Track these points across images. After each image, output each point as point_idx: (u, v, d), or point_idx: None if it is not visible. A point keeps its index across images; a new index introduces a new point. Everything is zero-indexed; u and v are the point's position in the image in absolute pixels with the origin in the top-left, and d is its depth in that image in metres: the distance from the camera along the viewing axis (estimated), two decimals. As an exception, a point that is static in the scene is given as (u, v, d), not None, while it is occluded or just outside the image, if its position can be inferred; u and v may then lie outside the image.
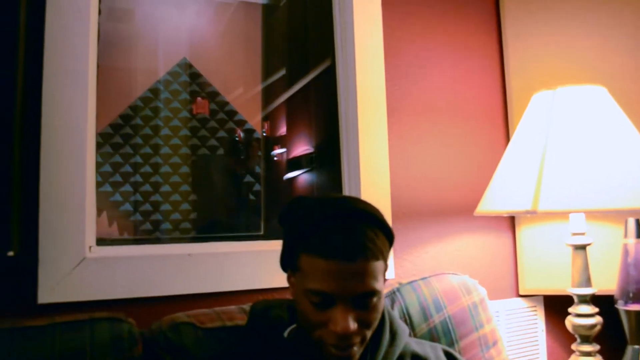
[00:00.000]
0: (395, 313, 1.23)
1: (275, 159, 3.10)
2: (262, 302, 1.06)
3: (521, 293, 1.71)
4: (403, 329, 1.04)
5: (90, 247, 1.25)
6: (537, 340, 1.72)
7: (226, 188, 3.27)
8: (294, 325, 1.02)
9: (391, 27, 1.65)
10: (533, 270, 1.67)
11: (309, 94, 2.29)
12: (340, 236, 0.85)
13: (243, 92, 3.36)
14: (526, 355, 1.70)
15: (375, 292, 0.87)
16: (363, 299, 0.86)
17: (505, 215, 1.31)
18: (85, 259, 1.21)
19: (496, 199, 1.35)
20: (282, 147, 2.99)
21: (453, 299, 1.28)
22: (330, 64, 1.70)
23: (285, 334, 1.00)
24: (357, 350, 0.89)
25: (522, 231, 1.70)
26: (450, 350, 1.07)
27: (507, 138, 1.77)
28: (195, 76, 3.47)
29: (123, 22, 3.33)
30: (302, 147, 2.60)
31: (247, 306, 1.15)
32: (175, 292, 1.29)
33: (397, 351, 0.99)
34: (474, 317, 1.27)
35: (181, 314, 1.11)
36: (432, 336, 1.22)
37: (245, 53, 3.29)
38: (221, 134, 3.46)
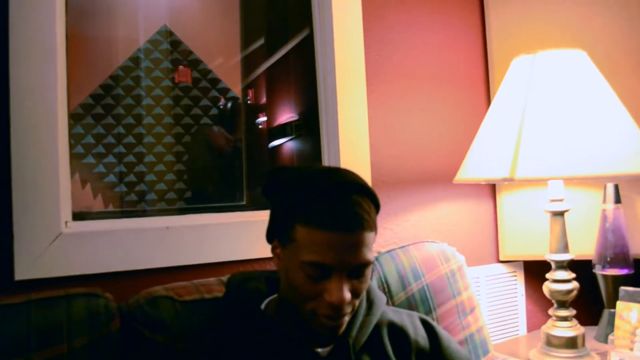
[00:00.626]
0: (374, 282, 1.24)
1: (260, 127, 3.07)
2: (238, 275, 1.06)
3: (501, 259, 1.73)
4: (380, 298, 1.05)
5: (66, 222, 1.24)
6: (516, 305, 1.74)
7: (211, 157, 3.24)
8: (272, 297, 1.02)
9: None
10: (513, 236, 1.69)
11: (291, 62, 2.26)
12: (340, 208, 0.85)
13: (223, 62, 3.30)
14: (506, 319, 1.73)
15: (369, 263, 0.88)
16: (358, 269, 0.87)
17: (483, 183, 1.31)
18: (62, 234, 1.20)
19: (474, 166, 1.35)
20: (265, 115, 2.96)
21: (431, 267, 1.29)
22: (309, 33, 1.67)
23: (263, 306, 1.00)
24: (347, 319, 0.90)
25: (502, 197, 1.71)
26: (427, 318, 1.08)
27: (489, 104, 1.76)
28: (176, 44, 3.41)
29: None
30: (286, 115, 2.58)
31: (225, 278, 1.15)
32: (153, 266, 1.29)
33: (374, 320, 1.00)
34: (451, 284, 1.28)
35: (159, 288, 1.11)
36: (410, 304, 1.24)
37: (224, 22, 3.23)
38: (204, 102, 3.43)
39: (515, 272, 1.75)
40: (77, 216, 1.31)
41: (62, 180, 1.22)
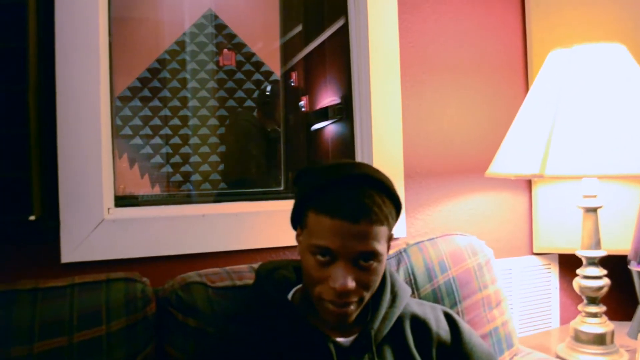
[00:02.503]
0: (401, 273, 1.26)
1: (303, 109, 3.08)
2: (268, 264, 1.11)
3: (535, 251, 1.71)
4: (404, 290, 1.07)
5: (108, 209, 1.31)
6: (550, 298, 1.73)
7: (253, 140, 3.30)
8: (299, 286, 1.06)
9: (406, -18, 1.61)
10: (548, 229, 1.67)
11: (331, 46, 2.27)
12: (348, 198, 0.89)
13: (263, 46, 3.34)
14: (539, 311, 1.72)
15: (375, 254, 0.90)
16: (363, 259, 0.90)
17: (513, 178, 1.30)
18: (104, 220, 1.28)
19: (506, 160, 1.34)
20: (307, 98, 2.97)
21: (458, 261, 1.30)
22: (345, 22, 1.68)
23: (289, 295, 1.04)
24: (353, 309, 0.93)
25: (538, 189, 1.69)
26: (450, 311, 1.10)
27: (527, 95, 1.73)
28: (220, 28, 3.47)
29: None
30: (328, 98, 2.59)
31: (257, 265, 1.19)
32: (189, 251, 1.35)
33: (397, 312, 1.03)
34: (478, 278, 1.29)
35: (193, 273, 1.17)
36: (435, 296, 1.25)
37: (265, 7, 3.26)
38: (248, 85, 3.48)
39: (549, 264, 1.74)
40: (121, 201, 1.39)
41: (104, 170, 1.29)
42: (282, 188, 2.49)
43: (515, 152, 1.32)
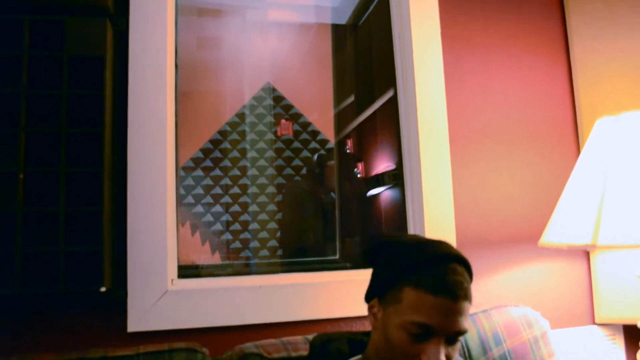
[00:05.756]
0: (455, 346, 1.26)
1: (358, 175, 3.13)
2: (322, 336, 1.14)
3: (597, 321, 1.66)
4: (457, 363, 1.08)
5: (172, 280, 1.39)
6: (615, 371, 1.66)
7: (309, 208, 3.37)
8: (354, 358, 1.08)
9: (452, 54, 1.67)
10: (610, 298, 1.62)
11: (384, 114, 2.35)
12: (447, 276, 0.93)
13: (318, 117, 3.47)
14: (605, 385, 1.65)
15: (465, 332, 0.95)
16: (455, 336, 0.94)
17: (566, 248, 1.29)
18: (168, 291, 1.35)
19: (558, 230, 1.34)
20: (363, 165, 3.03)
21: (513, 333, 1.29)
22: (395, 93, 1.75)
23: (343, 368, 1.07)
24: None
25: (597, 256, 1.65)
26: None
27: (580, 161, 1.73)
28: (278, 99, 3.64)
29: (212, 50, 3.57)
30: (383, 164, 2.64)
31: (311, 336, 1.22)
32: (247, 322, 1.40)
33: (450, 388, 1.03)
34: (534, 351, 1.27)
35: (250, 345, 1.21)
36: (491, 370, 1.24)
37: (319, 80, 3.41)
38: (305, 153, 3.60)
39: (614, 335, 1.67)
40: (183, 270, 1.46)
41: (169, 243, 1.38)
42: (337, 257, 2.51)
43: (567, 222, 1.32)
